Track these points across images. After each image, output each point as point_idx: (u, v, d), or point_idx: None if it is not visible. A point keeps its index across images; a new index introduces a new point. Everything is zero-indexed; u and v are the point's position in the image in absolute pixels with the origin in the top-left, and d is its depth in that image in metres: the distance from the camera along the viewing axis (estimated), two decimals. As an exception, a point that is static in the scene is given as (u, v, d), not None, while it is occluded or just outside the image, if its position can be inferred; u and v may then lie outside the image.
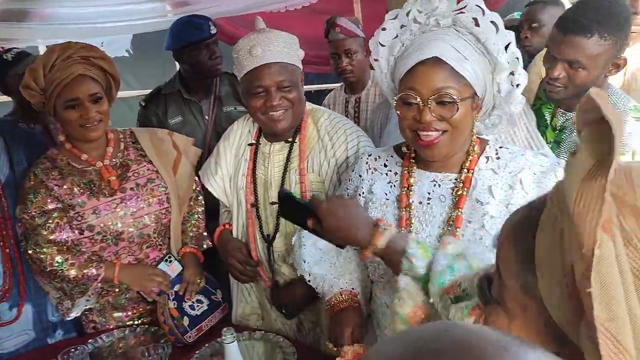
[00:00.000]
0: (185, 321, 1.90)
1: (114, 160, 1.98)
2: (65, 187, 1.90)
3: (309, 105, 1.88)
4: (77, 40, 1.89)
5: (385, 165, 1.48)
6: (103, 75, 1.88)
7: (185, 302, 1.97)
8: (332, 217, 1.24)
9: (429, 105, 1.25)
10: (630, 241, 0.48)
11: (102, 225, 1.91)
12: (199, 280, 2.00)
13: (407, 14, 1.35)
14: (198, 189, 2.13)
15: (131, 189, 1.96)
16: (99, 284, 1.92)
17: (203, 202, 2.14)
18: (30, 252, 1.88)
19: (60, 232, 1.89)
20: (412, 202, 1.39)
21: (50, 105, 1.83)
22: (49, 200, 1.87)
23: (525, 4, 2.91)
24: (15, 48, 2.88)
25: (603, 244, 0.46)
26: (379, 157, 1.50)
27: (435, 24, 1.30)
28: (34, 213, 1.87)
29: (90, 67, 1.84)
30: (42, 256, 1.87)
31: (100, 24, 3.36)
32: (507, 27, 1.30)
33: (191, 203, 2.12)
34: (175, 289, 1.98)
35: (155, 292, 1.94)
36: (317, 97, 2.55)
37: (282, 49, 1.68)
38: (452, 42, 1.26)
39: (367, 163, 1.50)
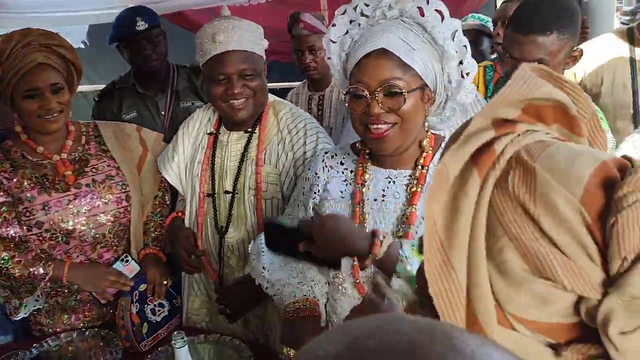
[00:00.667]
0: (145, 328, 1.84)
1: (72, 154, 1.89)
2: (15, 180, 1.81)
3: (271, 97, 1.87)
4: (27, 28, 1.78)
5: (342, 164, 1.47)
6: (64, 64, 1.79)
7: (148, 304, 1.91)
8: (326, 234, 1.21)
9: (377, 98, 1.24)
10: (502, 185, 0.49)
11: (51, 222, 1.82)
12: (165, 282, 1.92)
13: (355, 8, 1.35)
14: (164, 187, 2.05)
15: (87, 185, 1.87)
16: (48, 284, 1.83)
17: (169, 201, 2.07)
18: None
19: (7, 227, 1.81)
20: (367, 198, 1.39)
21: (8, 94, 1.74)
22: None
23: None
24: None
25: (468, 175, 0.49)
26: (336, 155, 1.49)
27: (382, 16, 1.30)
28: None
29: (51, 55, 1.75)
30: None
31: (52, 13, 3.21)
32: (465, 31, 1.30)
33: (156, 202, 2.04)
34: (140, 289, 1.90)
35: (111, 293, 1.86)
36: (282, 95, 2.51)
37: (245, 37, 1.69)
38: (398, 33, 1.25)
39: (323, 161, 1.48)
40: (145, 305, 1.91)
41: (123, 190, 1.92)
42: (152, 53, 2.55)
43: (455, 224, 0.49)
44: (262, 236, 1.47)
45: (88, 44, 3.58)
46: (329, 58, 1.42)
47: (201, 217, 1.86)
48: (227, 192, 1.80)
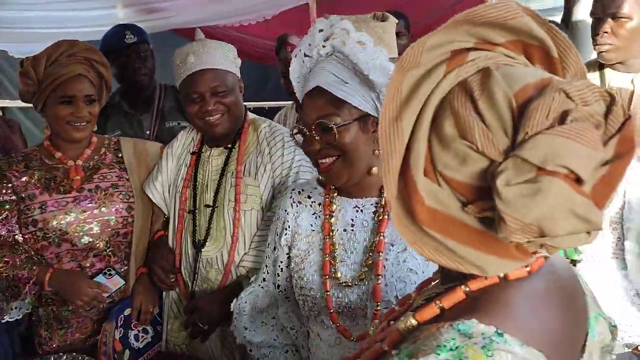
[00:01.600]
0: (126, 355, 1.82)
1: (88, 162, 1.94)
2: (23, 179, 1.87)
3: (251, 115, 1.92)
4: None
5: (309, 197, 1.47)
6: (98, 80, 1.89)
7: (132, 329, 1.88)
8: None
9: (314, 134, 1.29)
10: (468, 87, 0.62)
11: (45, 221, 1.84)
12: (151, 309, 1.90)
13: (300, 50, 1.37)
14: None
15: (89, 190, 1.90)
16: (33, 288, 1.83)
17: None
18: None
19: (4, 225, 1.85)
20: (337, 229, 1.39)
21: (42, 97, 1.83)
22: (3, 192, 1.86)
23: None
24: None
25: (437, 67, 0.64)
26: (303, 190, 1.49)
27: (318, 55, 1.33)
28: None
29: (90, 69, 1.86)
30: None
31: (46, 29, 3.22)
32: None
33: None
34: (125, 314, 1.87)
35: (86, 308, 1.84)
36: (271, 115, 2.50)
37: (216, 56, 1.77)
38: (331, 69, 1.28)
39: (291, 197, 1.49)
40: (129, 331, 1.88)
41: (125, 201, 1.92)
42: (140, 67, 2.56)
43: (414, 94, 0.63)
44: (243, 295, 1.51)
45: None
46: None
47: (179, 234, 1.87)
48: (207, 205, 1.83)
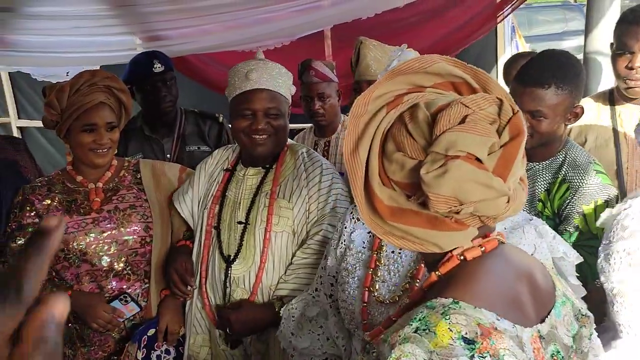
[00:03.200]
0: None
1: (108, 185, 1.98)
2: (45, 202, 1.92)
3: (290, 141, 1.94)
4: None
5: None
6: (118, 106, 1.94)
7: (155, 350, 1.88)
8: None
9: None
10: (402, 119, 0.85)
11: (65, 242, 1.87)
12: (177, 330, 1.91)
13: None
14: None
15: (108, 211, 1.93)
16: None
17: None
18: None
19: None
20: (386, 249, 1.42)
21: (66, 126, 1.88)
22: (27, 215, 1.91)
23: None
24: None
25: (380, 111, 0.87)
26: None
27: None
28: (13, 226, 1.92)
29: (110, 97, 1.91)
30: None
31: (67, 54, 3.29)
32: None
33: None
34: (149, 334, 1.88)
35: (101, 331, 1.86)
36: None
37: (276, 79, 1.79)
38: None
39: (351, 213, 1.53)
40: (152, 352, 1.88)
41: (143, 221, 1.95)
42: (166, 94, 2.60)
43: (364, 133, 0.86)
44: (294, 301, 1.53)
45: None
46: None
47: (206, 249, 1.87)
48: (239, 222, 1.83)
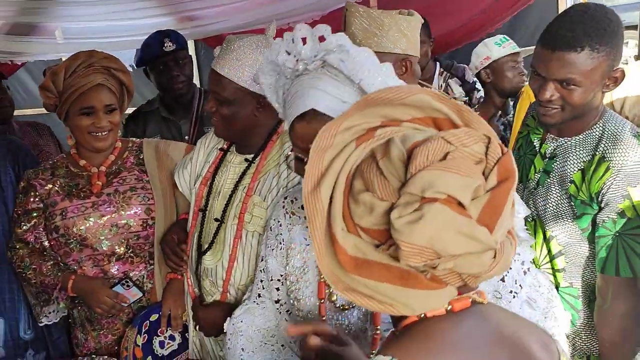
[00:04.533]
0: None
1: (111, 168, 1.94)
2: (47, 186, 1.90)
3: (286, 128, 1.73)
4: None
5: (303, 207, 1.29)
6: (119, 87, 1.88)
7: (158, 335, 1.84)
8: None
9: None
10: (374, 155, 0.72)
11: (65, 227, 1.85)
12: (181, 314, 1.85)
13: (277, 57, 1.18)
14: None
15: (108, 194, 1.89)
16: (62, 294, 1.88)
17: None
18: (8, 252, 1.93)
19: (32, 232, 1.90)
20: None
21: (64, 109, 1.83)
22: (31, 200, 1.90)
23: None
24: None
25: (347, 146, 0.75)
26: (296, 199, 1.35)
27: (304, 68, 1.15)
28: (19, 211, 1.91)
29: (109, 78, 1.84)
30: (14, 255, 1.90)
31: (104, 39, 3.34)
32: None
33: None
34: (152, 319, 1.84)
35: (106, 315, 1.86)
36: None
37: (234, 62, 1.57)
38: (326, 87, 1.12)
39: (284, 207, 1.37)
40: (155, 337, 1.84)
41: (144, 203, 1.90)
42: (179, 74, 2.54)
43: (329, 169, 0.73)
44: (238, 313, 1.38)
45: (135, 68, 3.71)
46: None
47: (190, 232, 1.79)
48: (215, 219, 1.71)
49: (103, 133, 1.85)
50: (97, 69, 1.82)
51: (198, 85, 2.91)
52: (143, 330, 1.82)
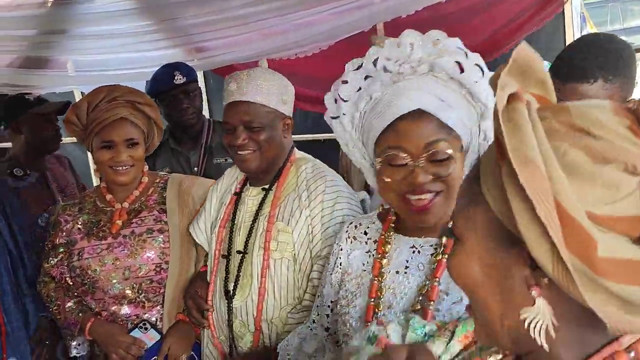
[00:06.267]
0: None
1: (134, 204, 1.92)
2: (70, 223, 1.92)
3: (298, 154, 1.77)
4: (96, 85, 1.92)
5: (366, 233, 1.33)
6: (146, 122, 1.88)
7: None
8: None
9: (421, 165, 1.12)
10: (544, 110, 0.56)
11: (81, 267, 1.86)
12: (180, 354, 1.83)
13: (375, 63, 1.18)
14: None
15: (124, 236, 1.88)
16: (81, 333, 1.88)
17: None
18: (37, 285, 1.97)
19: (58, 267, 1.91)
20: (389, 271, 1.25)
21: (89, 142, 1.86)
22: (59, 235, 1.92)
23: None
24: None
25: (515, 105, 0.54)
26: (360, 225, 1.35)
27: (410, 71, 1.15)
28: (49, 245, 1.94)
29: (134, 112, 1.84)
30: (43, 289, 1.94)
31: (114, 71, 3.38)
32: None
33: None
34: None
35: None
36: (311, 146, 2.41)
37: (258, 89, 1.62)
38: (433, 90, 1.13)
39: (347, 232, 1.37)
40: None
41: (159, 247, 1.87)
42: (189, 106, 2.57)
43: (523, 131, 0.52)
44: (290, 337, 1.40)
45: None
46: (335, 117, 1.28)
47: (213, 278, 1.77)
48: (238, 252, 1.70)
49: (123, 167, 1.84)
50: (121, 103, 1.83)
51: (207, 117, 2.92)
52: None
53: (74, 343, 1.93)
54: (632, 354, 0.56)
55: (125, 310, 1.87)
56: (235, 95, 1.63)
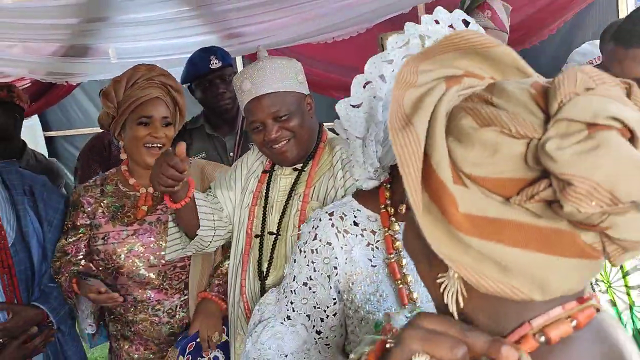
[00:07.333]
0: None
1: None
2: (93, 205, 1.92)
3: (329, 134, 1.75)
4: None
5: (356, 224, 1.20)
6: (173, 106, 1.90)
7: (203, 357, 1.82)
8: None
9: None
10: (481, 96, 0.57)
11: (106, 252, 1.86)
12: (210, 335, 1.83)
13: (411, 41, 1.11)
14: None
15: (149, 223, 1.89)
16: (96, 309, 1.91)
17: None
18: (51, 265, 1.95)
19: (74, 245, 1.92)
20: (406, 265, 1.15)
21: (122, 120, 1.85)
22: (80, 216, 1.93)
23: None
24: None
25: (436, 84, 0.59)
26: (345, 215, 1.21)
27: None
28: (69, 225, 1.95)
29: (166, 95, 1.87)
30: (56, 263, 1.92)
31: (154, 58, 3.40)
32: None
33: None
34: (198, 340, 1.83)
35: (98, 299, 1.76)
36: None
37: (273, 78, 1.59)
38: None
39: (333, 225, 1.21)
40: (199, 359, 1.81)
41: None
42: (225, 91, 2.54)
43: (419, 104, 0.57)
44: (265, 338, 1.26)
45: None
46: (355, 106, 1.17)
47: (246, 255, 1.72)
48: (270, 233, 1.67)
49: (158, 145, 1.84)
50: (156, 83, 1.85)
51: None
52: (187, 351, 1.80)
53: (83, 320, 1.93)
54: (543, 338, 0.55)
55: (149, 294, 1.88)
56: (253, 91, 1.59)
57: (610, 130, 0.49)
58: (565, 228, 0.52)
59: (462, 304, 0.58)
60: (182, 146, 1.49)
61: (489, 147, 0.53)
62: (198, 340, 1.83)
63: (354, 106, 1.16)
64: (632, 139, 0.50)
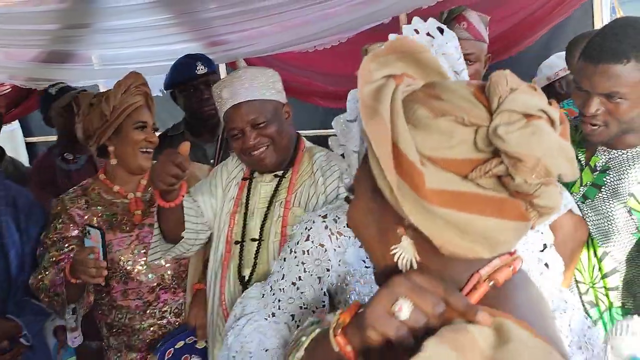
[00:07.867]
0: None
1: (145, 194, 1.95)
2: (86, 217, 1.92)
3: (307, 143, 1.79)
4: (117, 79, 1.95)
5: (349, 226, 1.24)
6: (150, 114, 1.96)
7: None
8: None
9: None
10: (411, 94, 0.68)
11: (111, 260, 1.86)
12: (205, 324, 1.83)
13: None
14: None
15: (149, 225, 1.90)
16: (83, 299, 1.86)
17: None
18: (31, 279, 1.87)
19: (66, 256, 1.88)
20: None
21: (114, 126, 1.85)
22: (71, 227, 1.91)
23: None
24: (60, 83, 2.99)
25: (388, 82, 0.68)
26: (339, 218, 1.25)
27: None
28: (55, 238, 1.90)
29: (150, 102, 1.95)
30: (39, 275, 1.85)
31: (137, 65, 3.40)
32: None
33: None
34: (177, 346, 1.82)
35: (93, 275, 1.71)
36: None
37: (250, 86, 1.64)
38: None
39: (326, 227, 1.24)
40: None
41: None
42: (209, 97, 2.54)
43: (378, 95, 0.66)
44: (247, 331, 1.26)
45: (165, 92, 3.79)
46: (351, 121, 1.17)
47: (226, 262, 1.73)
48: (252, 239, 1.69)
49: (151, 150, 1.90)
50: (142, 91, 1.91)
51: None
52: (166, 358, 1.79)
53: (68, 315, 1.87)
54: (492, 283, 0.68)
55: (159, 295, 1.91)
56: (231, 99, 1.63)
57: (540, 120, 0.61)
58: (508, 197, 0.63)
59: (415, 268, 0.69)
60: (186, 146, 1.56)
61: (445, 133, 0.63)
62: (177, 346, 1.82)
63: (350, 121, 1.19)
64: (552, 125, 0.63)
